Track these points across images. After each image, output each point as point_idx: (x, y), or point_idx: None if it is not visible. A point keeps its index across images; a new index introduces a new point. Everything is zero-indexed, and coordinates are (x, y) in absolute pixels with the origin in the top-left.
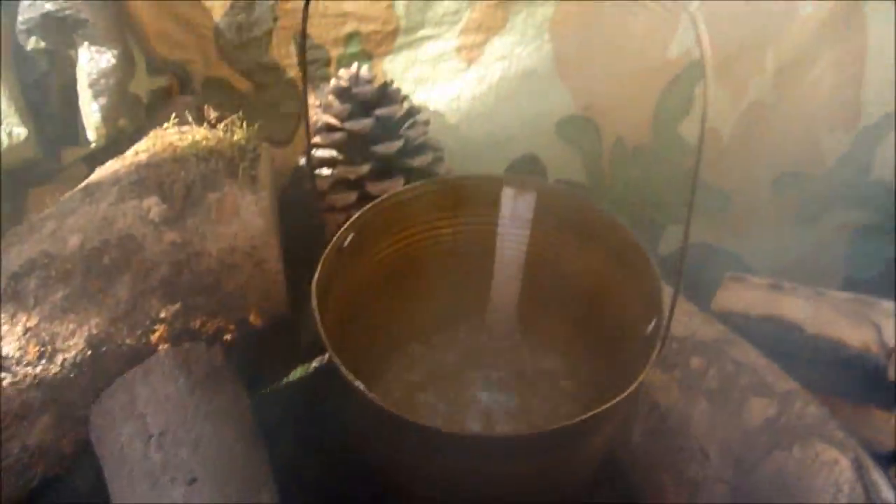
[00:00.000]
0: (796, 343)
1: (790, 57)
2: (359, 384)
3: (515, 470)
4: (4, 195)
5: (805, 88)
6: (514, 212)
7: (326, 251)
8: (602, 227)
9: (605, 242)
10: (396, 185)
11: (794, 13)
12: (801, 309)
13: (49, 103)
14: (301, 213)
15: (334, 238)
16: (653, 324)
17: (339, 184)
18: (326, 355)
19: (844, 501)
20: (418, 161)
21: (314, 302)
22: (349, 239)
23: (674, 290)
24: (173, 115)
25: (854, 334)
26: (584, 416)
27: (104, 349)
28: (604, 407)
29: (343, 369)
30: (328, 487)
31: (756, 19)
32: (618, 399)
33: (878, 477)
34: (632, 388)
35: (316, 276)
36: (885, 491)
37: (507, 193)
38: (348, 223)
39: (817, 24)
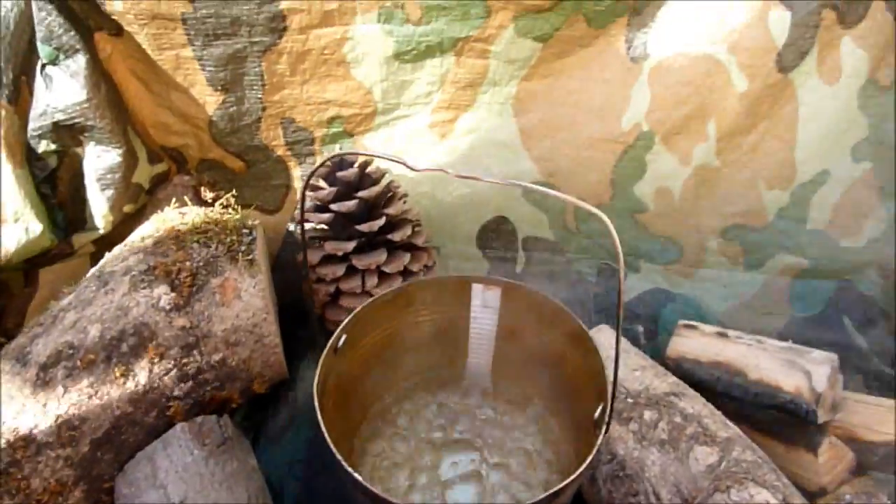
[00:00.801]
0: (740, 387)
1: (730, 126)
2: (359, 478)
3: None
4: (18, 276)
5: (744, 152)
6: (484, 302)
7: (324, 354)
8: (556, 317)
9: (560, 328)
10: (379, 259)
11: (730, 89)
12: (744, 356)
13: (59, 195)
14: (292, 274)
15: (330, 341)
16: (599, 409)
17: (328, 258)
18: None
19: None
20: (399, 235)
21: (316, 403)
22: (343, 340)
23: (614, 376)
24: (173, 199)
25: (788, 381)
26: (547, 493)
27: (126, 427)
28: (561, 485)
29: (345, 464)
30: None
31: (697, 96)
32: (567, 481)
33: None
34: (579, 471)
35: (316, 378)
36: None
37: (476, 289)
38: (341, 326)
39: (751, 98)
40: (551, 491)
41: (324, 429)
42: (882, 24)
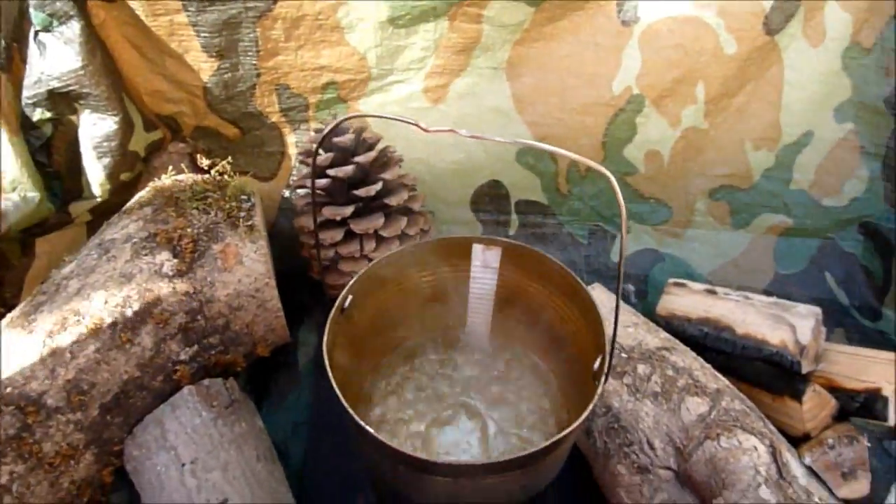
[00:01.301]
0: (728, 342)
1: (717, 89)
2: (373, 431)
3: (502, 479)
4: (14, 246)
5: (732, 114)
6: (484, 262)
7: (331, 314)
8: (556, 275)
9: (559, 286)
10: (377, 223)
11: (719, 52)
12: (732, 312)
13: (55, 164)
14: (288, 241)
15: (336, 301)
16: (598, 360)
17: (326, 224)
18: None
19: (762, 479)
20: (395, 200)
21: (326, 361)
22: (349, 300)
23: (613, 331)
24: (169, 167)
25: (774, 334)
26: (543, 444)
27: (134, 391)
28: (558, 436)
29: (357, 419)
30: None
31: (686, 60)
32: (570, 428)
33: (789, 457)
34: (581, 419)
35: (325, 338)
36: (795, 468)
37: (477, 249)
38: (347, 287)
39: (739, 61)
40: (552, 440)
41: (334, 383)
42: None
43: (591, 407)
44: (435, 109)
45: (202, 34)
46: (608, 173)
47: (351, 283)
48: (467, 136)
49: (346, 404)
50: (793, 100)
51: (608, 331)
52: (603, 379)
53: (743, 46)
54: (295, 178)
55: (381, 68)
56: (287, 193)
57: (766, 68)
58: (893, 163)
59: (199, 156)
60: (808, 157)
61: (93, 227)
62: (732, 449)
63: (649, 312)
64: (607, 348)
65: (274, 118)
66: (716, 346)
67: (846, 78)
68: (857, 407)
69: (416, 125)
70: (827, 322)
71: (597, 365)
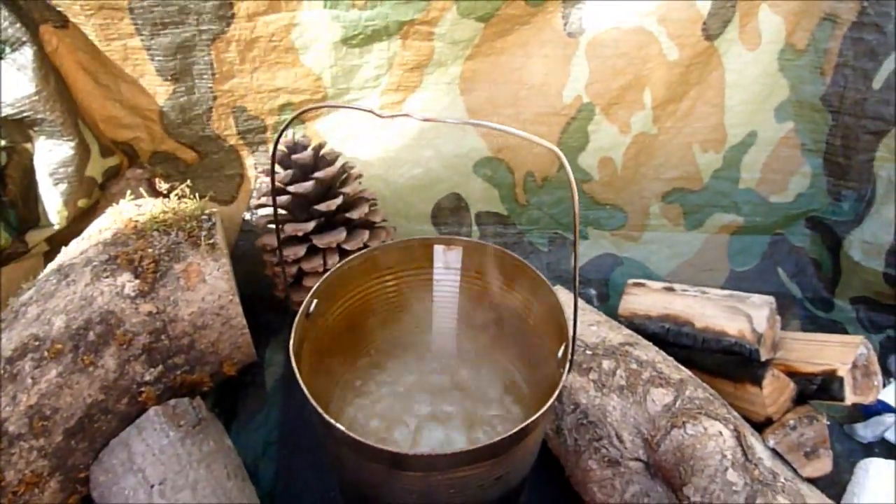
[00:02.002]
0: (688, 336)
1: (664, 94)
2: (339, 426)
3: (474, 471)
4: None
5: (679, 119)
6: (446, 263)
7: (297, 318)
8: (516, 270)
9: (521, 282)
10: (339, 237)
11: (662, 59)
12: (690, 307)
13: (9, 193)
14: (251, 263)
15: (301, 306)
16: (562, 349)
17: (289, 240)
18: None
19: (728, 463)
20: (356, 213)
21: (293, 362)
22: (314, 305)
23: (574, 313)
24: (128, 192)
25: (732, 325)
26: (511, 432)
27: (98, 415)
28: (526, 423)
29: (327, 417)
30: None
31: (632, 68)
32: (537, 414)
33: (753, 441)
34: (546, 405)
35: (291, 341)
36: (760, 451)
37: (438, 250)
38: (312, 291)
39: (682, 67)
40: (522, 425)
41: (302, 383)
42: None
43: (557, 391)
44: (392, 126)
45: (156, 58)
46: (558, 150)
47: (315, 286)
48: (420, 119)
49: (315, 404)
50: (735, 102)
51: (570, 319)
52: (567, 365)
53: (685, 52)
54: (255, 199)
55: (337, 87)
56: (248, 216)
57: (709, 72)
58: (833, 158)
59: (157, 180)
60: (753, 156)
61: (49, 257)
62: (698, 435)
63: (611, 314)
64: (569, 333)
65: (232, 141)
66: (677, 341)
67: (783, 79)
68: (815, 389)
69: (370, 112)
70: (782, 314)
71: (560, 352)
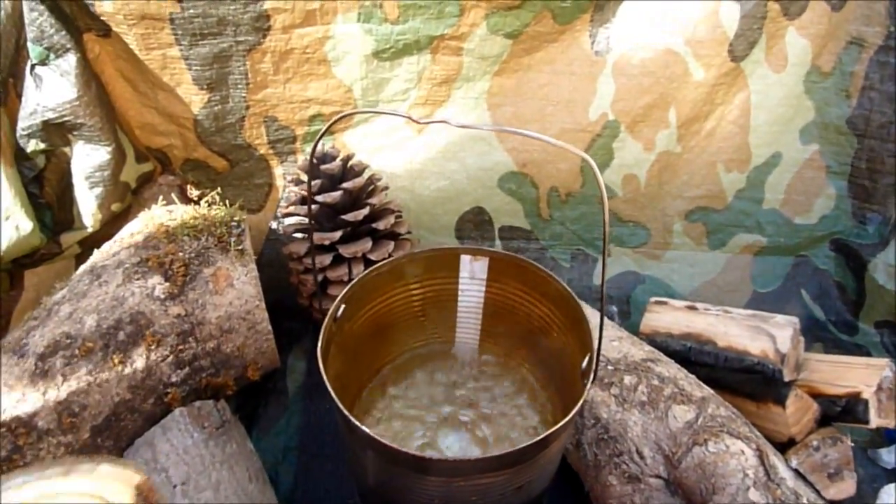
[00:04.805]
0: (711, 355)
1: (689, 114)
2: (364, 427)
3: (496, 478)
4: (3, 278)
5: (703, 138)
6: (472, 274)
7: (325, 322)
8: (542, 283)
9: (546, 294)
10: (365, 247)
11: (688, 79)
12: (713, 326)
13: (46, 195)
14: (275, 271)
15: (330, 310)
16: (586, 360)
17: (316, 248)
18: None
19: (751, 482)
20: (382, 224)
21: (320, 364)
22: (342, 309)
23: (600, 322)
24: (159, 198)
25: (754, 345)
26: (535, 439)
27: (125, 414)
28: (551, 430)
29: (352, 419)
30: None
31: (658, 86)
32: (562, 423)
33: (776, 461)
34: (572, 413)
35: (320, 344)
36: (782, 471)
37: (464, 260)
38: (339, 297)
39: (707, 87)
40: (545, 433)
41: (328, 384)
42: (821, 15)
43: (580, 403)
44: (419, 139)
45: (194, 67)
46: (587, 156)
47: (343, 292)
48: (457, 125)
49: (340, 405)
50: (760, 122)
51: (595, 333)
52: (592, 376)
53: (710, 73)
54: (283, 207)
55: (367, 100)
56: (275, 225)
57: (734, 93)
58: (858, 181)
59: (188, 187)
60: (777, 177)
61: (81, 260)
62: (720, 453)
63: (633, 332)
64: (594, 345)
65: (262, 150)
66: (699, 360)
67: (808, 101)
68: (839, 411)
69: (407, 117)
70: (805, 337)
71: (584, 364)
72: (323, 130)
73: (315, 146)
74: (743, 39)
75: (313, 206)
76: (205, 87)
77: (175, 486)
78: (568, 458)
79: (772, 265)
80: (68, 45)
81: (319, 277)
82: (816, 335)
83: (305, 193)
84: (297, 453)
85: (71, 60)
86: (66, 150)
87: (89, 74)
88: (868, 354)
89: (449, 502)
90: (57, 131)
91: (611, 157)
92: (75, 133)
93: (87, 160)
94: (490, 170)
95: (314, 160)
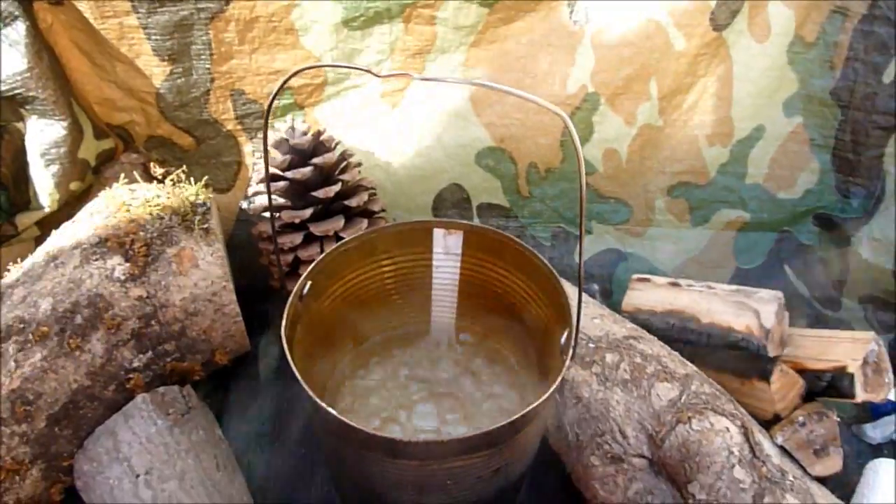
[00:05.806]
0: (694, 332)
1: (670, 85)
2: (332, 411)
3: (471, 461)
4: None
5: (685, 111)
6: (446, 249)
7: (290, 299)
8: (519, 257)
9: (522, 267)
10: (337, 225)
11: (669, 50)
12: (696, 303)
13: (1, 174)
14: (247, 253)
15: (295, 288)
16: (565, 334)
17: (286, 227)
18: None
19: (735, 460)
20: (355, 201)
21: (284, 344)
22: (307, 287)
23: (578, 296)
24: (122, 176)
25: (738, 321)
26: (510, 419)
27: (84, 402)
28: (527, 409)
29: (318, 400)
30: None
31: (639, 57)
32: (539, 401)
33: (761, 438)
34: (549, 391)
35: (283, 322)
36: (768, 448)
37: (438, 234)
38: (305, 273)
39: (689, 57)
40: (522, 412)
41: (294, 367)
42: None
43: (559, 380)
44: (393, 113)
45: (153, 37)
46: (563, 113)
47: (309, 268)
48: (419, 78)
49: (306, 387)
50: (743, 95)
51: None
52: (571, 352)
53: (692, 43)
54: (252, 186)
55: (338, 72)
56: (245, 205)
57: (716, 64)
58: (842, 154)
59: (152, 165)
60: (760, 151)
61: (41, 242)
62: (704, 431)
63: (615, 310)
64: (573, 319)
65: (229, 126)
66: (683, 337)
67: (792, 72)
68: (825, 387)
69: (367, 71)
70: (790, 314)
71: (563, 340)
72: (279, 84)
73: (270, 104)
74: (725, 8)
75: (282, 183)
76: (166, 58)
77: (138, 476)
78: (549, 439)
79: (755, 241)
80: (16, 13)
81: (290, 257)
82: (800, 311)
83: (276, 171)
84: (269, 440)
85: (20, 29)
86: (20, 125)
87: (40, 44)
88: (853, 329)
89: (423, 487)
90: (8, 105)
91: (591, 131)
92: (28, 107)
93: (42, 136)
94: (467, 146)
95: (282, 134)
